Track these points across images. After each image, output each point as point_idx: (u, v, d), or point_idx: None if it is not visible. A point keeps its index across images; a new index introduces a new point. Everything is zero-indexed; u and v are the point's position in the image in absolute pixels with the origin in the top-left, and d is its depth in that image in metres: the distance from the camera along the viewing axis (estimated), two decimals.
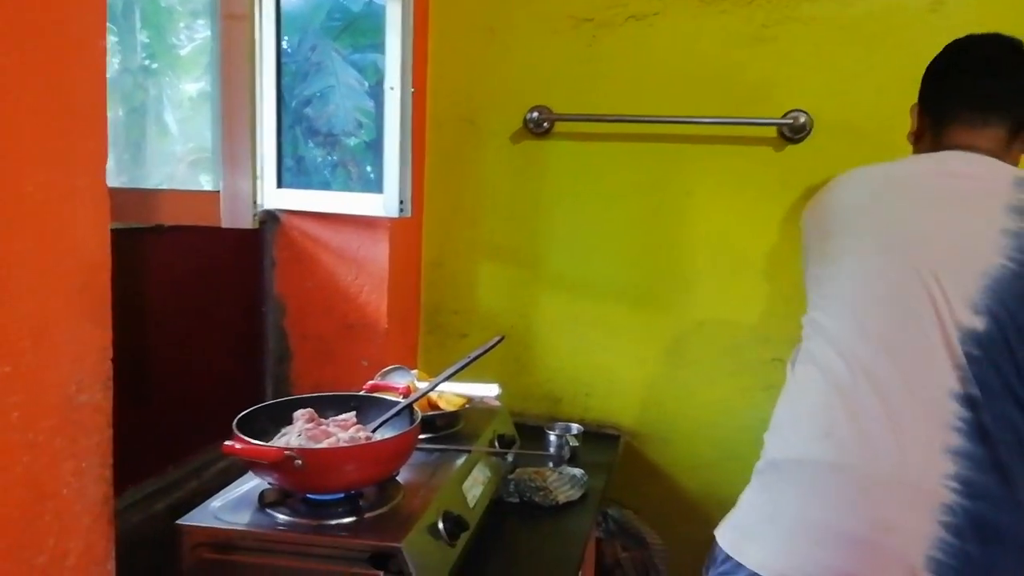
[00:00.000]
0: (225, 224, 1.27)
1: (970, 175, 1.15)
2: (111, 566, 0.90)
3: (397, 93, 1.42)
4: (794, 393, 1.17)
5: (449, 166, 1.88)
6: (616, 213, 1.80)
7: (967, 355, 1.00)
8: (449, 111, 1.87)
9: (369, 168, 1.64)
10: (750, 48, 1.68)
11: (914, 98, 1.31)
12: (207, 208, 1.27)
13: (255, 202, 1.24)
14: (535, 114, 1.79)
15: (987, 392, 0.99)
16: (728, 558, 1.10)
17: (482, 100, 1.85)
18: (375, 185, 1.59)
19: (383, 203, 1.49)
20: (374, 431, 1.15)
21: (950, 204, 1.12)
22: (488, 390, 1.44)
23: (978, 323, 1.01)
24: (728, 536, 1.13)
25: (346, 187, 1.67)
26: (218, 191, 1.27)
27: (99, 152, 0.81)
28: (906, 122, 1.33)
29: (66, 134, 0.77)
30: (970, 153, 1.18)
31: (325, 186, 1.67)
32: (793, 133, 1.67)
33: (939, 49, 1.25)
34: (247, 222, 1.24)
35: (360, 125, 1.64)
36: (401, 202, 1.47)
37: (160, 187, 1.50)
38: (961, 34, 1.23)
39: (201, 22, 1.69)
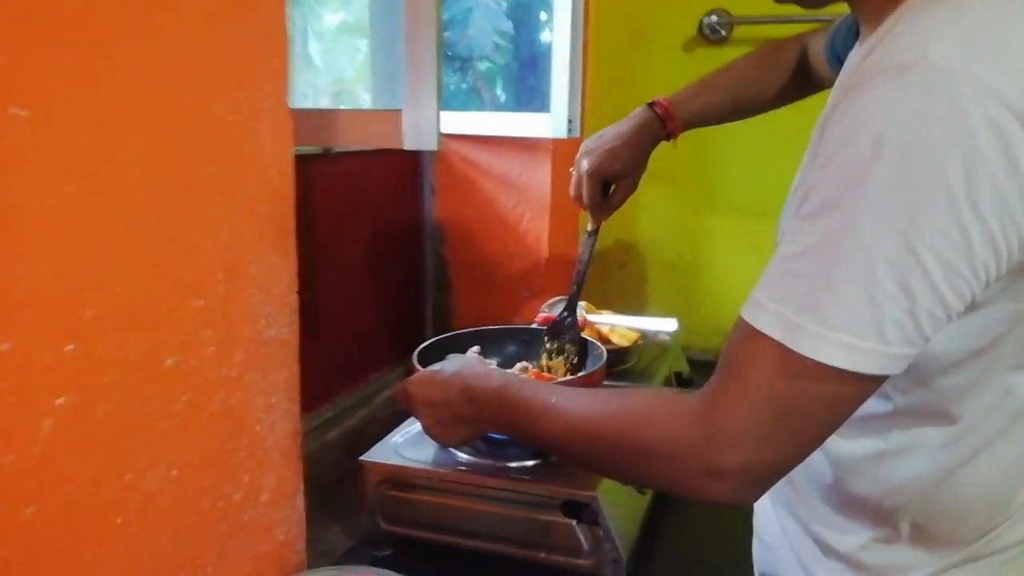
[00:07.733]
0: (408, 146, 1.21)
1: None
2: (300, 501, 0.89)
3: (568, 1, 1.30)
4: None
5: (615, 81, 1.74)
6: (803, 127, 1.61)
7: None
8: (616, 20, 1.71)
9: (500, 92, 1.55)
10: None
11: None
12: (383, 130, 1.21)
13: (438, 122, 1.17)
14: (713, 18, 1.61)
15: None
16: None
17: (653, 4, 1.68)
18: (507, 109, 1.48)
19: (550, 123, 1.39)
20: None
21: None
22: (665, 324, 1.33)
23: None
24: None
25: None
26: (395, 110, 1.21)
27: (281, 70, 0.75)
28: None
29: (250, 52, 0.71)
30: None
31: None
32: None
33: None
34: (432, 143, 1.18)
35: (496, 48, 1.54)
36: (570, 121, 1.36)
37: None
38: None
39: None
